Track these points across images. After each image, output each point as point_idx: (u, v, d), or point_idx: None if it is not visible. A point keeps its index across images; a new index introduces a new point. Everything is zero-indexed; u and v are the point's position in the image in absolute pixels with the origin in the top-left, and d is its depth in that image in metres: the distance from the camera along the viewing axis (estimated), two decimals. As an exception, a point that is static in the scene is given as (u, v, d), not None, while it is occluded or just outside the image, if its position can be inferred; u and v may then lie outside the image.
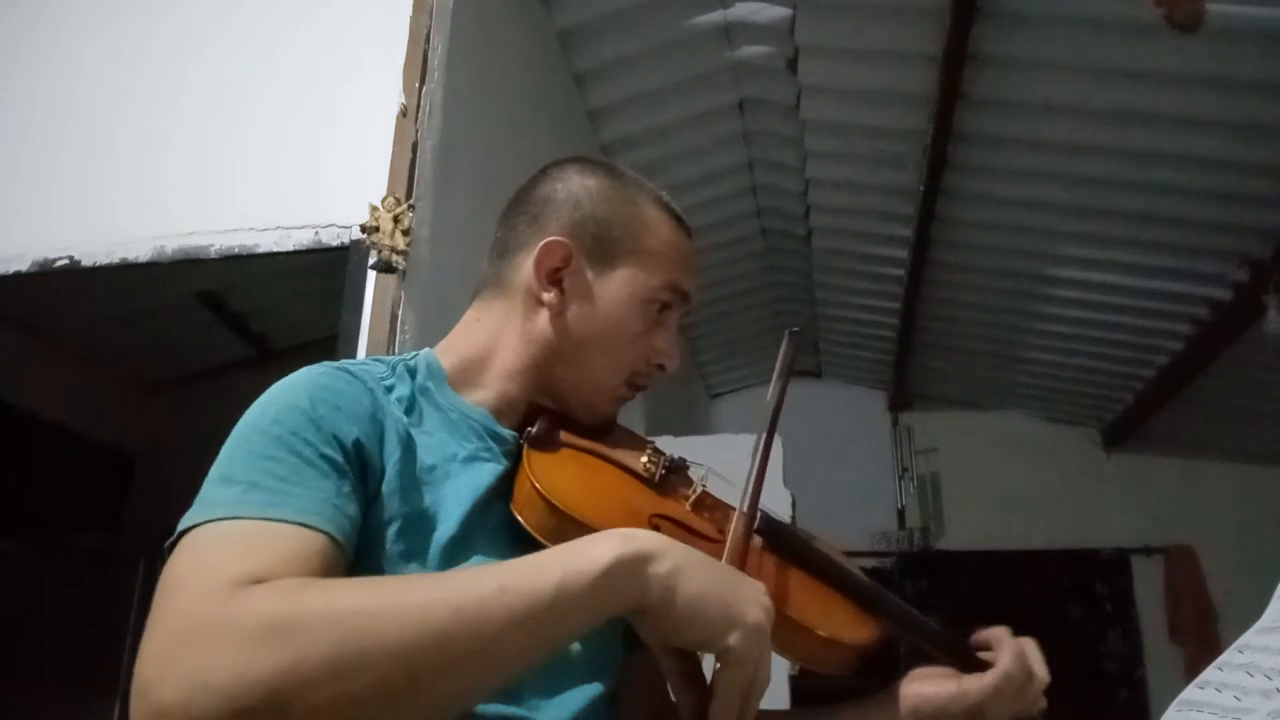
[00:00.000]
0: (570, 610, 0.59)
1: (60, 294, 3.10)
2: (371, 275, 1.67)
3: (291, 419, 0.68)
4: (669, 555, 0.62)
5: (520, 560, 0.61)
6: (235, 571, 0.57)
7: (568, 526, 0.75)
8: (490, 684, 0.60)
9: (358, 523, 0.68)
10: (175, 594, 0.58)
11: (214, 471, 0.67)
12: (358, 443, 0.70)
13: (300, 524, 0.62)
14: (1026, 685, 0.82)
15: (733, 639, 0.62)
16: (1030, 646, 0.84)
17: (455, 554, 0.73)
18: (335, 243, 1.75)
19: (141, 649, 0.55)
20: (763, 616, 0.63)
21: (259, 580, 0.57)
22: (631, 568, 0.60)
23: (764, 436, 0.85)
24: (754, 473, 0.82)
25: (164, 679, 0.52)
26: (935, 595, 5.04)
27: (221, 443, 0.70)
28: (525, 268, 0.86)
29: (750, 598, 0.64)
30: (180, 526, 0.63)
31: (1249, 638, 0.71)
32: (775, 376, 0.89)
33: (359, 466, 0.70)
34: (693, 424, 5.03)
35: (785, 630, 0.76)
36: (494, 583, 0.58)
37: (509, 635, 0.57)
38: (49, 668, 2.89)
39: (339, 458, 0.68)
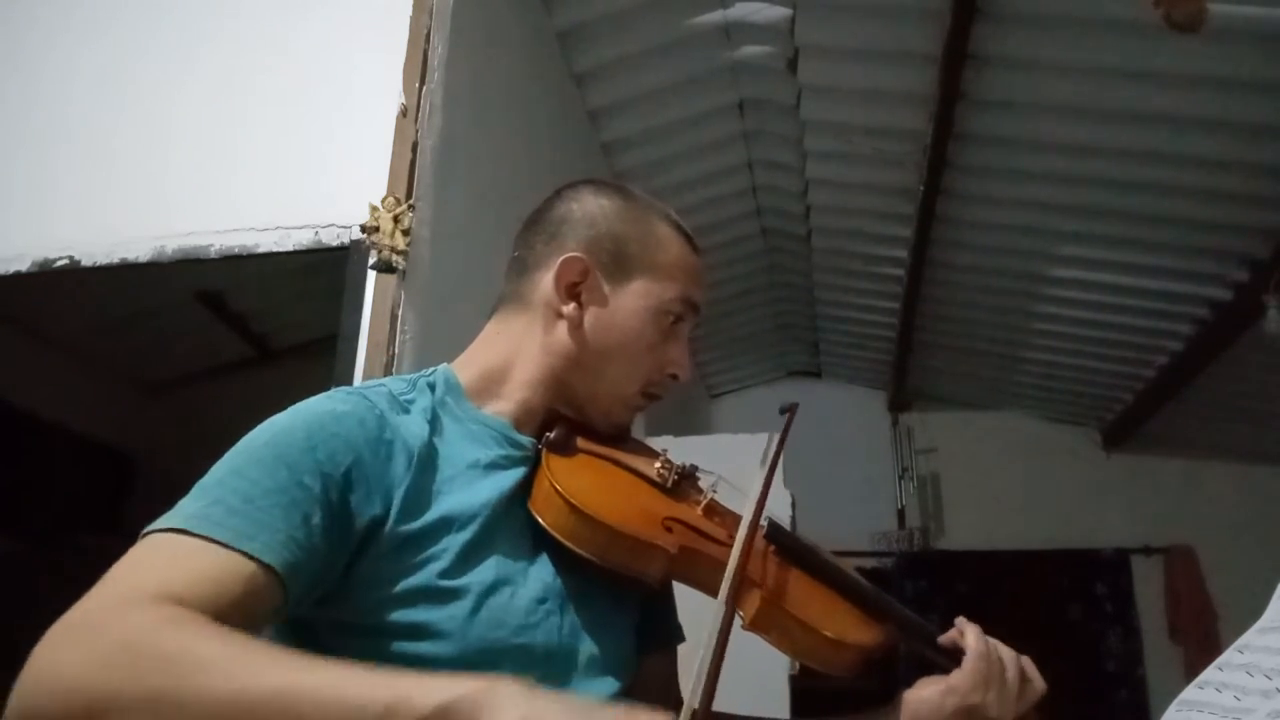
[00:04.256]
0: None
1: (60, 294, 3.10)
2: (371, 275, 1.67)
3: (283, 442, 0.72)
4: (514, 709, 0.58)
5: (372, 670, 0.61)
6: (152, 584, 0.62)
7: (585, 524, 0.79)
8: None
9: (323, 552, 0.70)
10: (96, 588, 0.63)
11: (200, 480, 0.71)
12: (349, 471, 0.72)
13: (239, 550, 0.65)
14: (1002, 668, 0.85)
15: None
16: (992, 641, 0.88)
17: (474, 556, 0.76)
18: (335, 243, 1.75)
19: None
20: None
21: (176, 598, 0.61)
22: (463, 714, 0.57)
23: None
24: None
25: (34, 660, 0.58)
26: (935, 595, 5.04)
27: (221, 442, 0.72)
28: (544, 283, 0.90)
29: None
30: (146, 529, 0.67)
31: (1249, 638, 0.71)
32: (768, 456, 0.91)
33: (345, 494, 0.72)
34: (693, 424, 5.02)
35: (794, 629, 0.82)
36: (327, 679, 0.59)
37: None
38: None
39: (316, 487, 0.70)
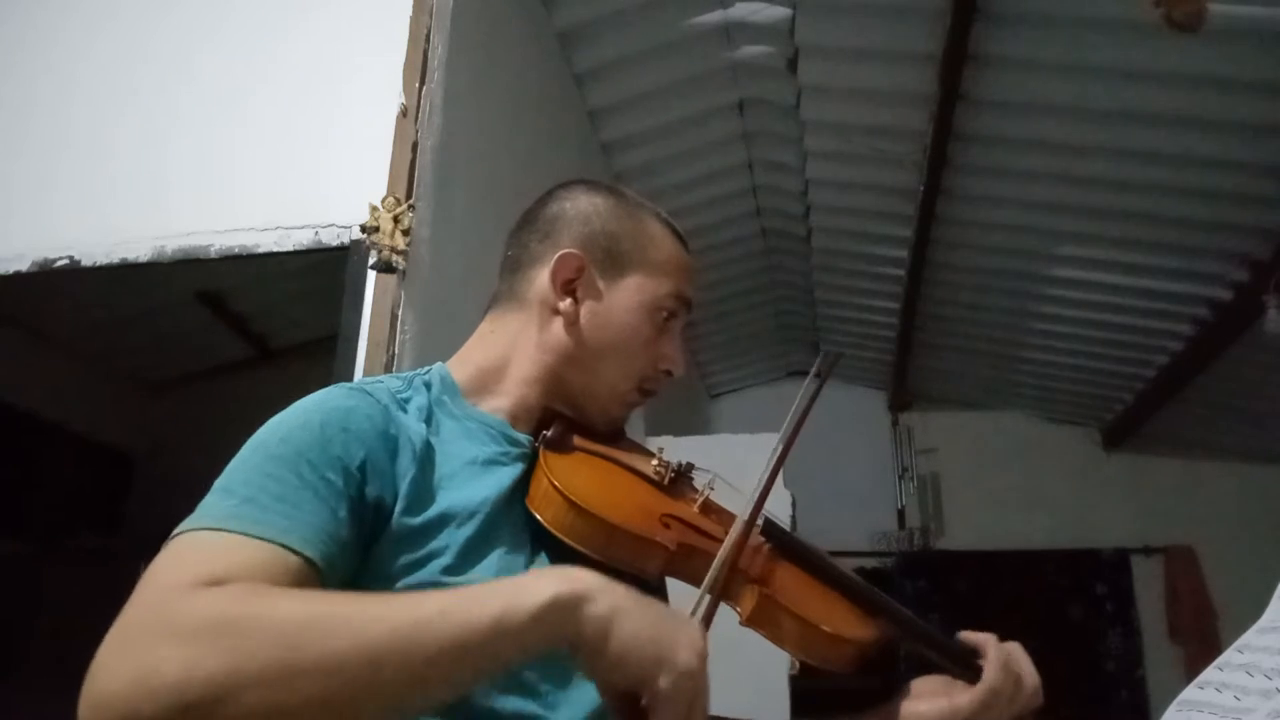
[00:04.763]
0: (505, 642, 0.60)
1: (60, 294, 3.10)
2: (371, 275, 1.67)
3: (300, 439, 0.72)
4: (606, 597, 0.63)
5: (466, 589, 0.64)
6: (201, 571, 0.60)
7: (585, 521, 0.79)
8: (419, 705, 0.61)
9: (350, 546, 0.70)
10: (142, 588, 0.61)
11: (218, 482, 0.70)
12: (364, 465, 0.73)
13: (280, 544, 0.65)
14: (1016, 694, 0.84)
15: (663, 681, 0.62)
16: (1016, 651, 0.87)
17: (475, 553, 0.77)
18: (335, 243, 1.75)
19: (108, 635, 0.58)
20: (694, 660, 0.64)
21: (221, 582, 0.60)
22: (569, 606, 0.62)
23: (780, 448, 0.89)
24: (764, 479, 0.87)
25: (112, 668, 0.55)
26: (935, 595, 5.05)
27: (221, 442, 0.72)
28: (539, 280, 0.91)
29: (684, 642, 0.64)
30: (174, 531, 0.66)
31: (1249, 638, 0.71)
32: (806, 390, 0.92)
33: (362, 488, 0.72)
34: (693, 424, 5.03)
35: (791, 625, 0.82)
36: (435, 607, 0.60)
37: (441, 659, 0.58)
38: (49, 668, 2.88)
39: (339, 482, 0.70)
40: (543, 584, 0.62)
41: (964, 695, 0.83)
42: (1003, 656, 0.85)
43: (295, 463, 0.70)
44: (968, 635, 0.87)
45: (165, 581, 0.61)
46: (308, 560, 0.65)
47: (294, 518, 0.66)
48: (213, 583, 0.60)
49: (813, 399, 0.92)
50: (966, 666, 0.85)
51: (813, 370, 0.97)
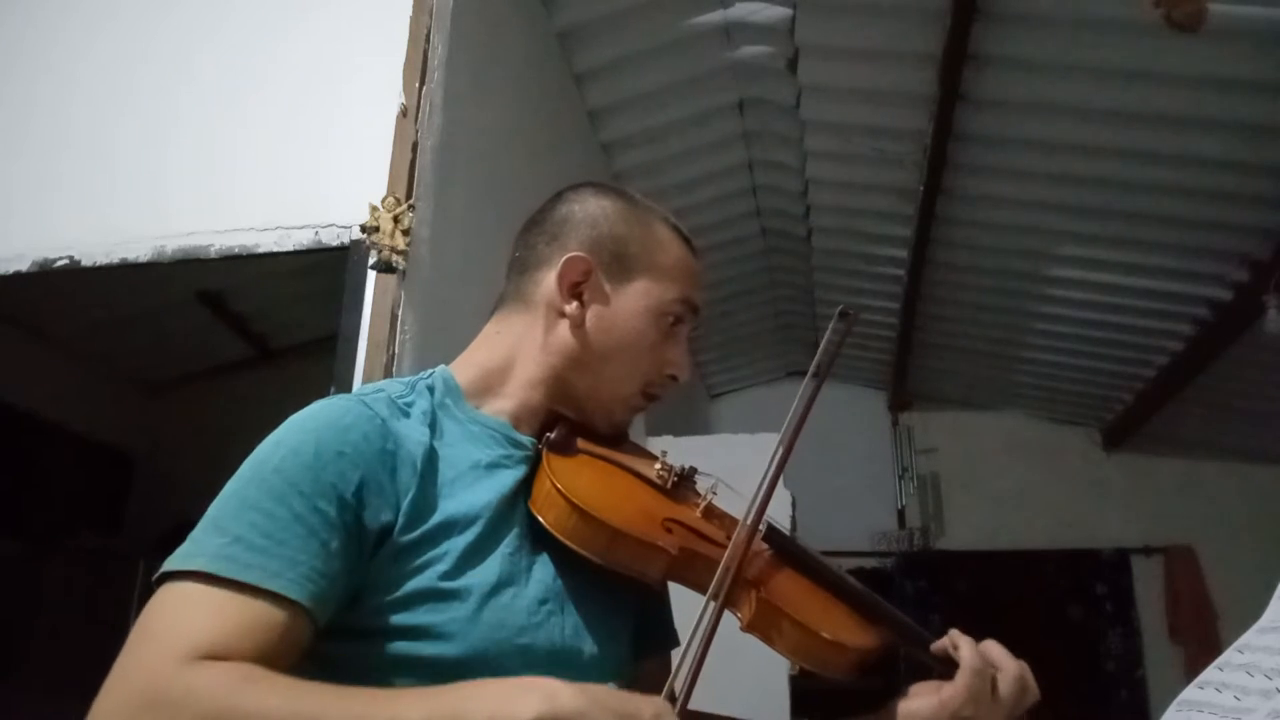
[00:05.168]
0: None
1: (60, 294, 3.11)
2: (371, 275, 1.67)
3: (293, 468, 0.71)
4: None
5: (450, 697, 0.64)
6: (194, 642, 0.62)
7: (587, 524, 0.79)
8: None
9: (342, 577, 0.71)
10: (138, 649, 0.64)
11: (211, 510, 0.71)
12: (360, 489, 0.73)
13: (270, 592, 0.66)
14: (999, 680, 0.83)
15: None
16: (992, 645, 0.86)
17: (475, 558, 0.77)
18: (335, 243, 1.75)
19: (99, 697, 0.61)
20: None
21: (215, 655, 0.62)
22: None
23: (780, 451, 0.89)
24: (765, 483, 0.86)
25: None
26: (935, 595, 5.05)
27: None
28: (546, 283, 0.90)
29: None
30: (165, 567, 0.67)
31: (1249, 638, 0.71)
32: (817, 362, 0.93)
33: (359, 514, 0.72)
34: (692, 424, 5.02)
35: (791, 631, 0.81)
36: (427, 708, 0.61)
37: None
38: (49, 668, 2.89)
39: (332, 511, 0.71)
40: (524, 704, 0.62)
41: (949, 688, 0.83)
42: (973, 642, 0.85)
43: (287, 494, 0.70)
44: (937, 644, 0.86)
45: (158, 650, 0.63)
46: (296, 606, 0.67)
47: (283, 558, 0.67)
48: (204, 655, 0.62)
49: (812, 398, 0.91)
50: (951, 665, 0.85)
51: (826, 333, 0.96)
